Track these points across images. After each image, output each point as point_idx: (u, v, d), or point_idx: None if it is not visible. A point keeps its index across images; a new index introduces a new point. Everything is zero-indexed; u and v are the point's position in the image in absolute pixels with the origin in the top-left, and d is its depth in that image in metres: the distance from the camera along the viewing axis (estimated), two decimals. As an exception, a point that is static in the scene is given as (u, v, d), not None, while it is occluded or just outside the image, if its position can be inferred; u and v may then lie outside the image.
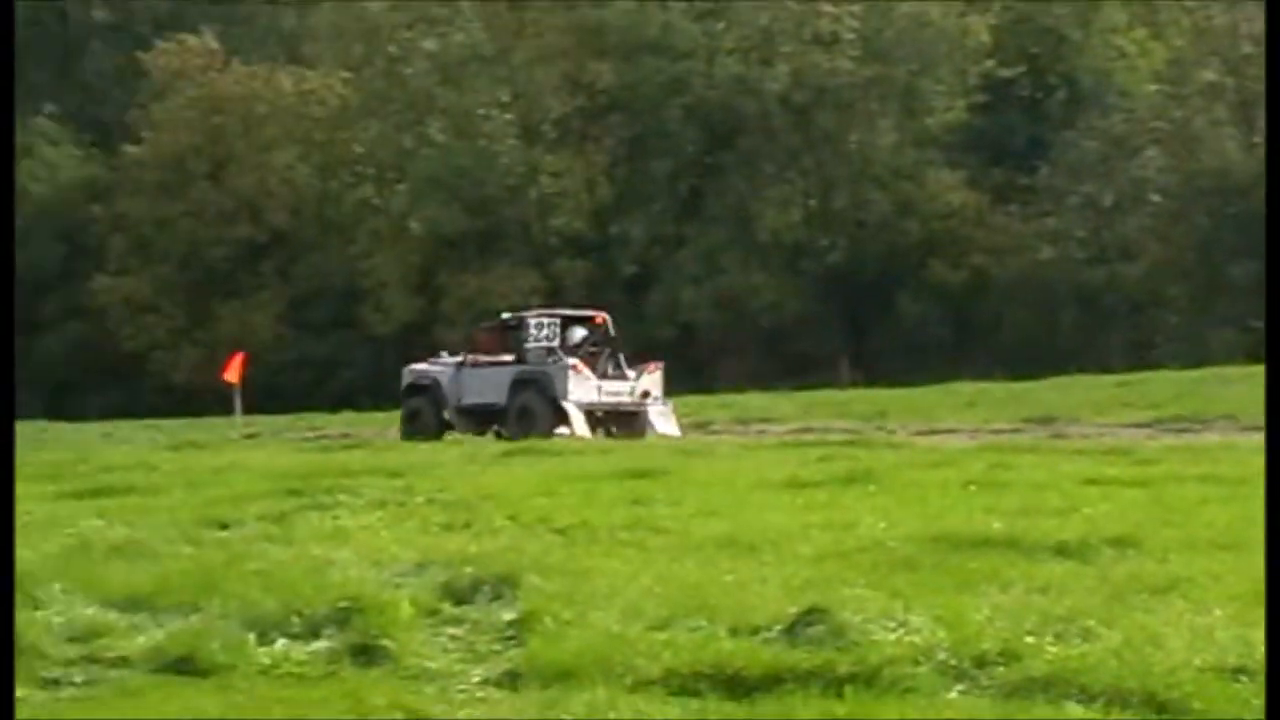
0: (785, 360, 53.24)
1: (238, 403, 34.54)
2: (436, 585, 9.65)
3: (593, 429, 25.18)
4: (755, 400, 37.64)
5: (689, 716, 6.89)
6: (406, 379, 28.12)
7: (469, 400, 26.48)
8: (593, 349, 26.66)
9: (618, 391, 25.77)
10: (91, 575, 9.90)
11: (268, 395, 49.02)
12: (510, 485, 15.69)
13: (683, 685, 7.23)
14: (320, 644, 8.25)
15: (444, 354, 28.82)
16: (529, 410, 25.51)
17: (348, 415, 40.82)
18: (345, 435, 31.03)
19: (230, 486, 16.58)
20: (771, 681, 7.17)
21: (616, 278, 56.93)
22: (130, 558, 10.91)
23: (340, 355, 59.85)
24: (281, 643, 8.25)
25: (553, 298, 48.56)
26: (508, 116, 58.66)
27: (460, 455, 21.99)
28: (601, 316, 27.54)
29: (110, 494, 16.35)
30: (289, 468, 18.91)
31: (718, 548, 10.63)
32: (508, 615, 8.87)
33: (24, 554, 10.84)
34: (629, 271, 57.66)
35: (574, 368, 25.43)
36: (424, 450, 23.63)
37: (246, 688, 7.45)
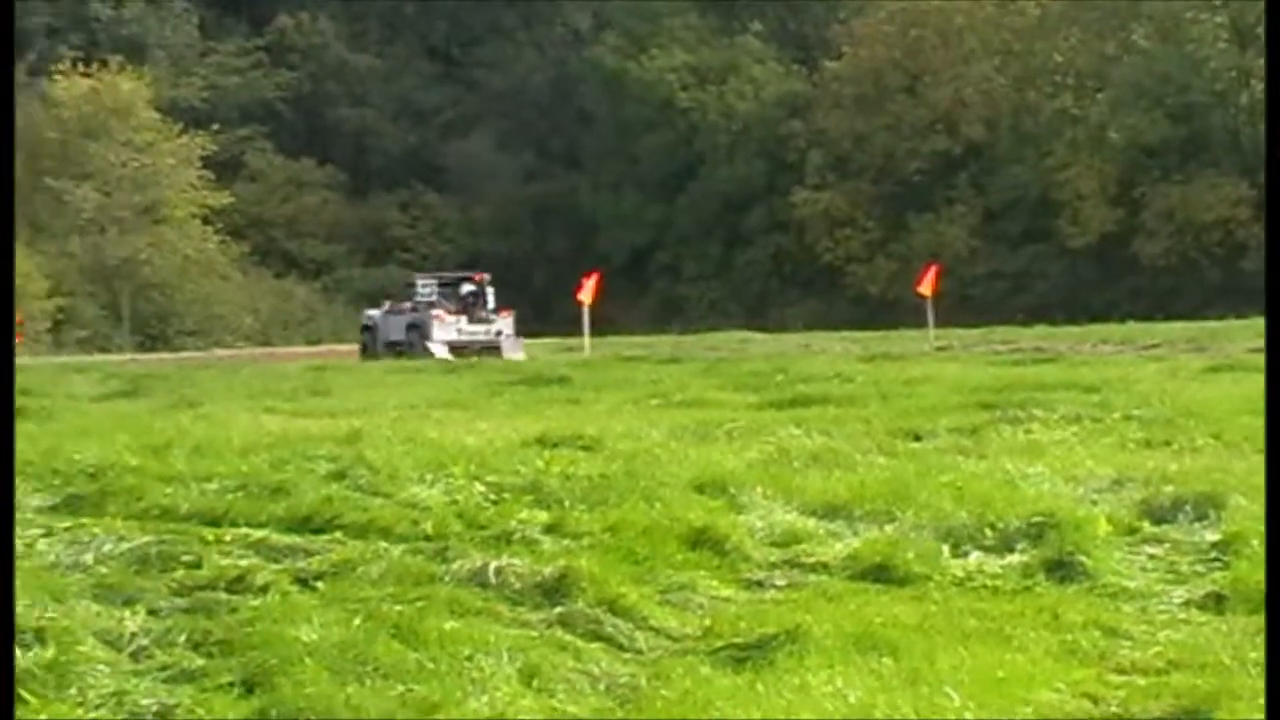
0: None
1: (930, 315, 34.81)
2: (1134, 503, 9.36)
3: (458, 355, 34.63)
4: None
5: None
6: (362, 320, 40.09)
7: (388, 337, 37.47)
8: (471, 300, 37.56)
9: (475, 331, 36.60)
10: (790, 482, 10.28)
11: (960, 308, 49.17)
12: (1214, 402, 14.95)
13: None
14: (1014, 558, 8.17)
15: (386, 303, 39.68)
16: (414, 345, 36.24)
17: (1041, 329, 40.23)
18: (1038, 349, 30.59)
19: (923, 399, 16.75)
20: None
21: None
22: (826, 466, 11.24)
23: (1034, 268, 59.06)
24: (975, 555, 8.23)
25: (1260, 209, 45.59)
26: (1218, 19, 55.43)
27: (1159, 371, 21.22)
28: (480, 276, 39.39)
29: (807, 404, 16.91)
30: (981, 381, 18.89)
31: None
32: (1211, 536, 8.48)
33: (727, 460, 11.45)
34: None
35: (437, 317, 36.49)
36: (1120, 364, 22.98)
37: (941, 598, 7.47)
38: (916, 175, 62.30)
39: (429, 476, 10.28)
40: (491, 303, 38.35)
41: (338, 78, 73.23)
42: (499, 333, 37.14)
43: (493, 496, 9.73)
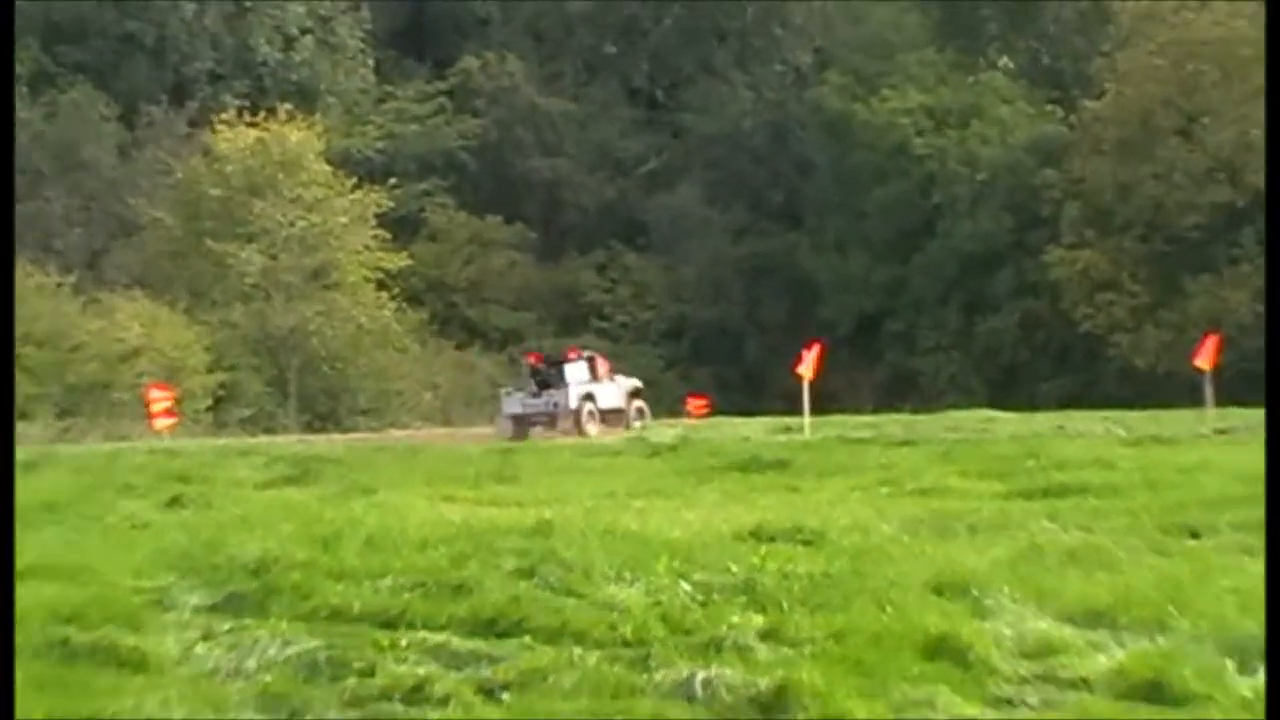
0: None
1: (1209, 392, 34.02)
2: None
3: (522, 428, 41.81)
4: None
5: None
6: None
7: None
8: (549, 374, 44.29)
9: (535, 404, 43.02)
10: (1043, 584, 10.13)
11: (1244, 384, 47.93)
12: None
13: None
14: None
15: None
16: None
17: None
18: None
19: (1200, 489, 16.38)
20: None
21: None
22: (1086, 566, 11.06)
23: (1334, 338, 57.52)
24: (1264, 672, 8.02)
25: None
26: None
27: None
28: (536, 355, 47.29)
29: (1063, 494, 16.66)
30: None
31: None
32: None
33: (970, 558, 11.32)
34: None
35: (506, 392, 44.50)
36: None
37: (1225, 724, 7.29)
38: (1192, 231, 61.08)
39: (628, 574, 10.34)
40: (604, 376, 44.77)
41: (528, 124, 74.62)
42: (555, 404, 42.54)
43: (700, 597, 9.75)
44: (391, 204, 60.50)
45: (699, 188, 73.91)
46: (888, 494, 17.77)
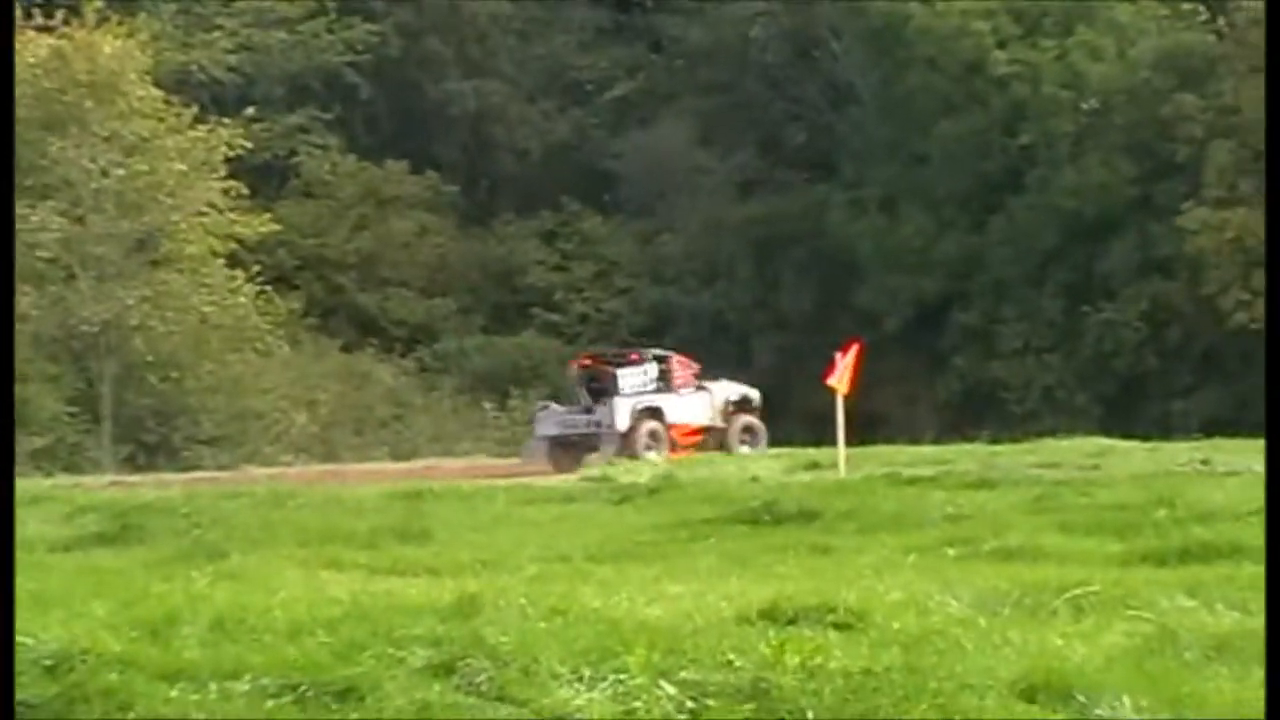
0: None
1: None
2: None
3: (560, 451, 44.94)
4: None
5: None
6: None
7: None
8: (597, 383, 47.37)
9: (575, 423, 46.06)
10: (1180, 686, 10.15)
11: None
12: None
13: None
14: None
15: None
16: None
17: None
18: None
19: (1404, 550, 16.43)
20: None
21: None
22: (1242, 659, 11.10)
23: None
24: None
25: None
26: None
27: None
28: (589, 357, 50.13)
29: (1207, 558, 16.71)
30: None
31: None
32: None
33: (1075, 648, 11.33)
34: None
35: (542, 407, 48.45)
36: None
37: None
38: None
39: (588, 671, 10.33)
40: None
41: (445, 31, 74.63)
42: (598, 423, 44.90)
43: (690, 704, 9.75)
44: (249, 145, 60.28)
45: (689, 123, 74.04)
46: (957, 557, 17.77)
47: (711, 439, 45.81)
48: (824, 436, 37.79)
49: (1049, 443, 43.54)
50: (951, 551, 18.24)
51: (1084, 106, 66.67)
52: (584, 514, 25.67)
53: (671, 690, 9.96)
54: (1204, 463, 34.59)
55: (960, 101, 67.50)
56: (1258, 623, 12.41)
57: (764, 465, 37.54)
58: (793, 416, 50.39)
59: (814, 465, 36.40)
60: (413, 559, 19.09)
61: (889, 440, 44.66)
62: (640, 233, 72.91)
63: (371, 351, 66.09)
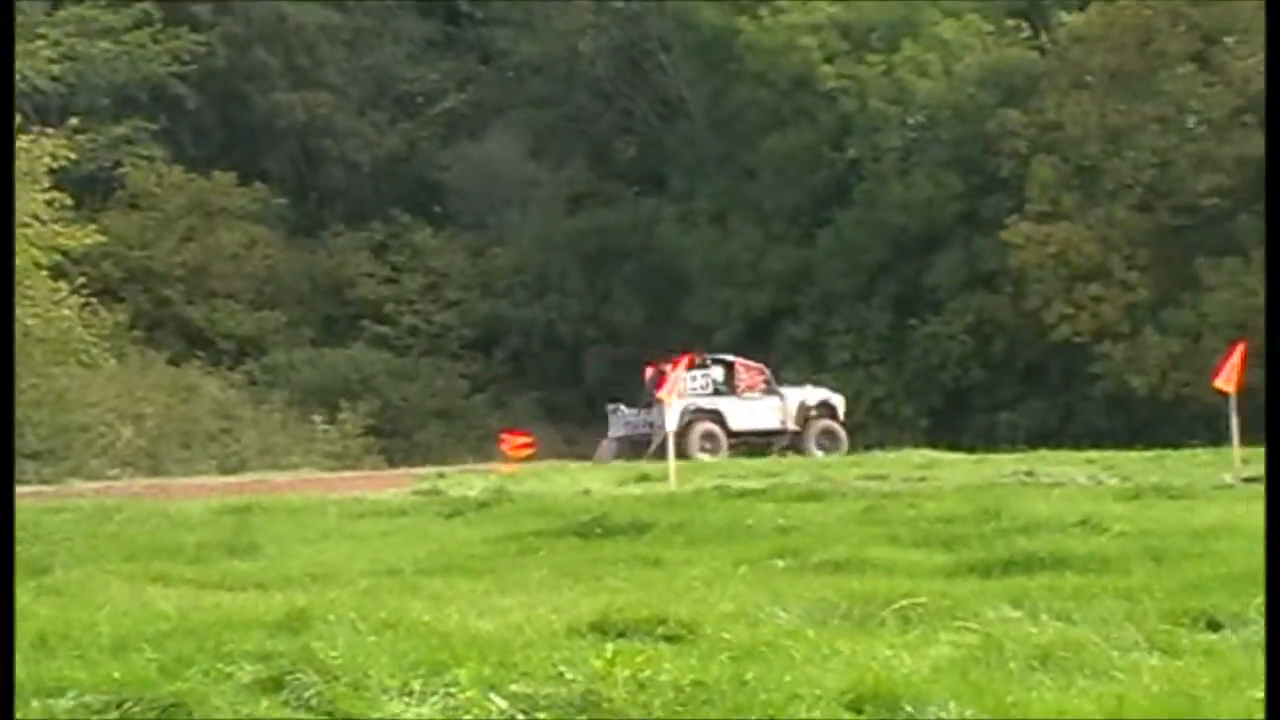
0: None
1: (1235, 425, 34.52)
2: None
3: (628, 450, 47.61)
4: None
5: None
6: None
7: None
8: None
9: (635, 423, 49.04)
10: (1005, 695, 10.22)
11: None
12: None
13: None
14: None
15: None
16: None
17: None
18: None
19: (1224, 562, 16.63)
20: None
21: None
22: (1065, 670, 11.18)
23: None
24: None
25: None
26: None
27: None
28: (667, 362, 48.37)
29: (1031, 568, 16.83)
30: (1322, 532, 18.71)
31: None
32: None
33: (902, 660, 11.40)
34: None
35: (613, 409, 50.59)
36: None
37: None
38: (1211, 197, 62.08)
39: (418, 685, 10.30)
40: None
41: (272, 42, 74.25)
42: (650, 423, 46.97)
43: (521, 716, 9.74)
44: (73, 156, 59.84)
45: (519, 135, 74.02)
46: (786, 569, 17.82)
47: (783, 443, 47.74)
48: (656, 451, 37.84)
49: (877, 455, 43.88)
50: (781, 563, 18.30)
51: (910, 122, 67.14)
52: (415, 527, 25.60)
53: (502, 703, 9.94)
54: (1028, 474, 34.93)
55: (788, 116, 67.80)
56: (1080, 632, 12.52)
57: (595, 478, 37.63)
58: (623, 429, 50.61)
59: (645, 478, 36.46)
60: (241, 573, 18.97)
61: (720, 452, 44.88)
62: (471, 245, 72.81)
63: (199, 364, 65.60)
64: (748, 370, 49.54)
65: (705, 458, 44.74)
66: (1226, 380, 35.11)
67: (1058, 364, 63.18)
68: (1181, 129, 62.57)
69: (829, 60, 67.78)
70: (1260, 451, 36.50)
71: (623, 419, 49.49)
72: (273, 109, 73.50)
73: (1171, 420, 54.73)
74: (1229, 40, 62.20)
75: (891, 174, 66.46)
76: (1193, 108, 62.52)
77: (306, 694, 10.22)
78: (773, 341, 67.16)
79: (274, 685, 10.43)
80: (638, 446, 46.96)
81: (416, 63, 76.29)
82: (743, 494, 30.04)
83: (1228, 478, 32.16)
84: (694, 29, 70.29)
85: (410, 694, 10.18)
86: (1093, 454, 41.81)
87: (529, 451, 48.87)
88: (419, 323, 70.89)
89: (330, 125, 74.16)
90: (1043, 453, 43.04)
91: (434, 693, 10.18)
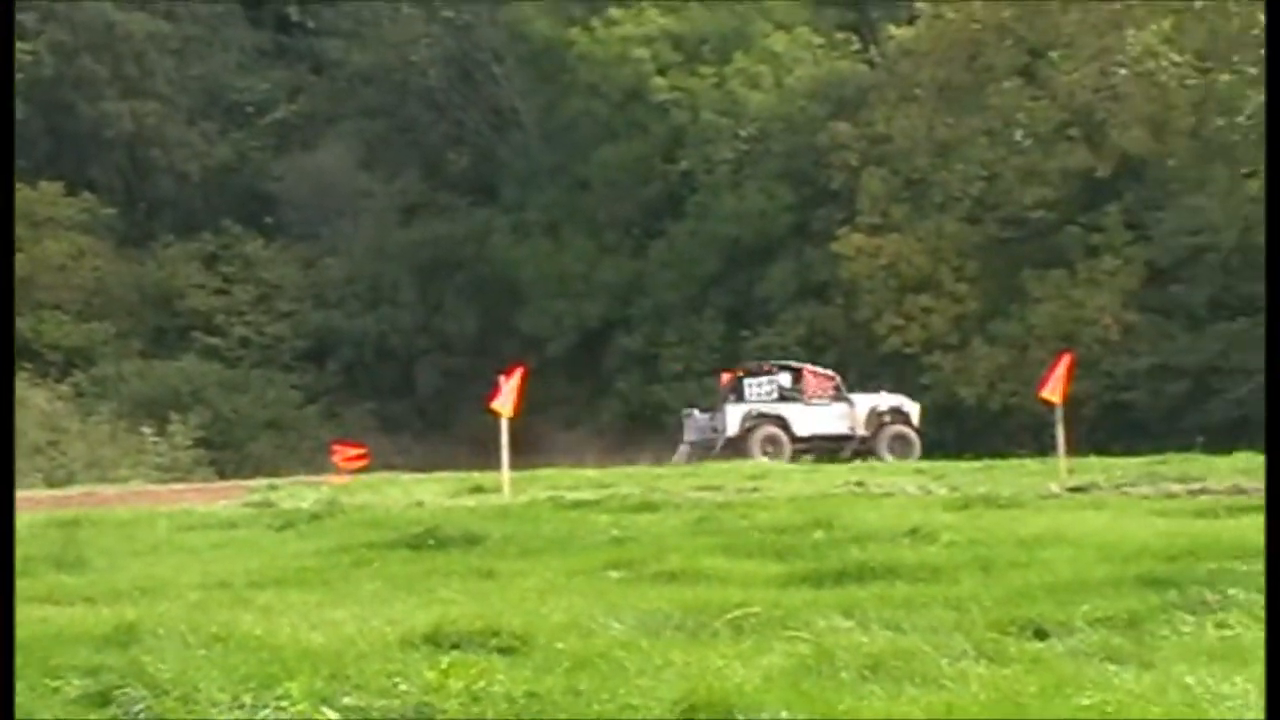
0: None
1: (1060, 435, 34.84)
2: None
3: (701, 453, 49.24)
4: None
5: None
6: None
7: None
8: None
9: (704, 428, 51.21)
10: (837, 704, 10.27)
11: (1109, 423, 49.24)
12: None
13: None
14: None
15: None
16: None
17: (1242, 457, 40.29)
18: (1237, 490, 30.59)
19: (1049, 571, 16.77)
20: None
21: None
22: (895, 679, 11.25)
23: (1230, 360, 59.20)
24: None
25: None
26: None
27: None
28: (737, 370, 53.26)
29: (863, 578, 16.91)
30: (1144, 542, 18.90)
31: None
32: None
33: (735, 670, 11.43)
34: None
35: (686, 414, 52.98)
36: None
37: None
38: (1038, 209, 62.67)
39: (248, 698, 10.23)
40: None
41: (100, 51, 73.60)
42: (714, 428, 49.83)
43: (354, 730, 9.68)
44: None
45: (351, 146, 73.74)
46: (620, 580, 17.82)
47: (853, 448, 48.54)
48: (487, 460, 37.80)
49: (710, 466, 44.04)
50: (615, 574, 18.30)
51: (742, 134, 67.41)
52: (246, 540, 25.41)
53: (335, 716, 9.90)
54: (859, 484, 35.10)
55: (621, 127, 67.91)
56: (910, 641, 12.60)
57: (427, 489, 37.50)
58: (455, 440, 50.41)
59: (478, 489, 36.36)
60: (69, 587, 18.77)
61: (553, 464, 44.79)
62: (303, 256, 72.45)
63: (26, 376, 64.84)
64: (816, 377, 50.90)
65: (766, 461, 45.72)
66: (1052, 391, 35.42)
67: (888, 374, 63.41)
68: (1009, 142, 63.12)
69: (661, 72, 67.94)
70: (1085, 462, 36.98)
71: (695, 424, 51.39)
72: (101, 118, 72.85)
73: (999, 430, 55.20)
74: (1054, 55, 62.73)
75: (724, 186, 66.68)
76: (1019, 121, 63.07)
77: (135, 709, 10.14)
78: (605, 352, 67.24)
79: (102, 700, 10.34)
80: (708, 449, 48.91)
81: (247, 72, 75.86)
82: (577, 505, 30.01)
83: (1054, 487, 32.44)
84: (526, 40, 70.30)
85: (241, 707, 10.11)
86: (922, 464, 42.20)
87: (362, 463, 48.55)
88: (250, 334, 70.48)
89: (159, 135, 73.58)
90: (872, 463, 43.42)
91: (265, 706, 10.12)
